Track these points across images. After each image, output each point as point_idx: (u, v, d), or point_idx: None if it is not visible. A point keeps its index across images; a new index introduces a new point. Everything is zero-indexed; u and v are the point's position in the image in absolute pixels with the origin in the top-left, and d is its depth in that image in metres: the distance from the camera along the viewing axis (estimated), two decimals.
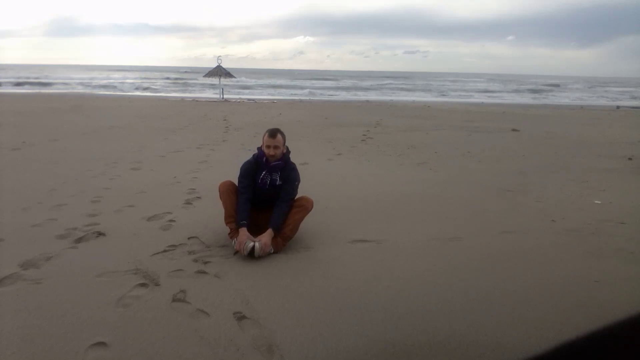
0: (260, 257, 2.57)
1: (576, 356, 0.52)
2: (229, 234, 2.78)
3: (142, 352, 1.68)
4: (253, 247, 2.56)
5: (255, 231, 2.67)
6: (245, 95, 24.23)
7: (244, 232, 2.62)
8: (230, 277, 2.33)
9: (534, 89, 37.33)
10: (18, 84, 27.42)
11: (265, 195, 2.80)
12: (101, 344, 1.72)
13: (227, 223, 2.78)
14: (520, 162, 6.07)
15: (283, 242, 2.74)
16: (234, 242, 2.66)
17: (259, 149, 2.82)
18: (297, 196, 2.88)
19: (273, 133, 2.74)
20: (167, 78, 40.63)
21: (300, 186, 2.90)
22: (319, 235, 2.99)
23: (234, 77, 21.19)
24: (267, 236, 2.62)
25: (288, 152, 2.88)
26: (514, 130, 9.61)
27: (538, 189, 4.50)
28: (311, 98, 24.24)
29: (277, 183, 2.80)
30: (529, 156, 6.51)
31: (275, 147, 2.72)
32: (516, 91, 34.63)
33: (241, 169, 2.84)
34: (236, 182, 2.84)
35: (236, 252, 2.62)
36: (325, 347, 1.74)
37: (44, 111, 11.33)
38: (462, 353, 1.73)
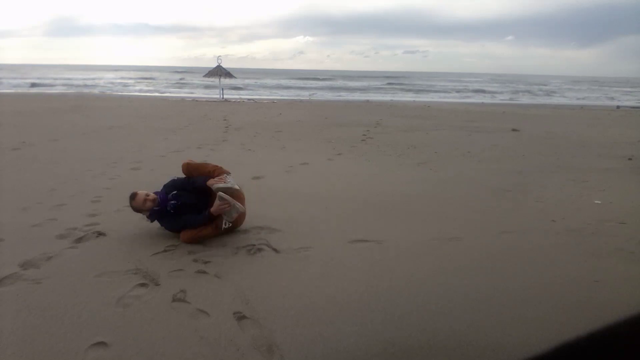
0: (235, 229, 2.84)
1: (576, 356, 0.52)
2: (218, 227, 2.83)
3: (142, 352, 1.68)
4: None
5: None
6: (245, 95, 24.25)
7: (214, 206, 2.73)
8: (230, 277, 2.33)
9: (534, 89, 37.35)
10: (17, 85, 27.47)
11: (187, 209, 2.85)
12: (101, 344, 1.72)
13: (213, 232, 2.83)
14: (520, 162, 6.07)
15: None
16: (225, 223, 2.77)
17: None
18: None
19: (135, 204, 2.80)
20: (153, 78, 40.60)
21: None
22: (319, 235, 2.99)
23: (234, 77, 21.18)
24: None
25: (157, 194, 2.90)
26: (514, 130, 9.61)
27: (538, 189, 4.50)
28: (311, 98, 24.25)
29: (175, 202, 2.87)
30: (529, 156, 6.51)
31: (145, 201, 2.78)
32: (515, 92, 34.64)
33: (162, 224, 2.91)
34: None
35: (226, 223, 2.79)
36: (325, 347, 1.74)
37: (44, 111, 11.33)
38: (462, 353, 1.73)
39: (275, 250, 2.72)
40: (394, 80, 49.86)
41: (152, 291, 2.15)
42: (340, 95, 27.56)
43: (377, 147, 7.07)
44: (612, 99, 28.82)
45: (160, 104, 15.79)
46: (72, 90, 24.68)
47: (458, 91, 33.66)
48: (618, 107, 21.05)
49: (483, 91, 33.86)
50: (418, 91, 33.26)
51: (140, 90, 27.37)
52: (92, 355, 1.66)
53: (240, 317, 1.94)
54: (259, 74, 61.22)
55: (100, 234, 2.90)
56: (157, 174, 4.74)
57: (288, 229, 3.10)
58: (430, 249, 2.81)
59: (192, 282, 2.25)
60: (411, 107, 16.98)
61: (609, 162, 6.04)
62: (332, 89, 33.56)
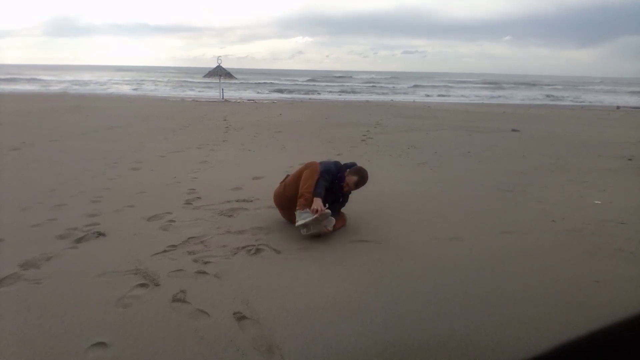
0: (313, 236, 2.87)
1: (576, 356, 0.52)
2: (299, 204, 2.93)
3: (142, 352, 1.68)
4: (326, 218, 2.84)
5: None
6: (245, 95, 24.25)
7: (320, 201, 2.89)
8: (230, 277, 2.33)
9: (533, 89, 37.38)
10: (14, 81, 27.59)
11: (326, 198, 3.07)
12: (101, 344, 1.72)
13: (304, 195, 2.94)
14: (520, 162, 6.07)
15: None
16: (304, 212, 2.85)
17: (342, 171, 3.13)
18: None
19: (359, 185, 3.11)
20: (158, 79, 40.38)
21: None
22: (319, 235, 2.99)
23: (235, 78, 21.19)
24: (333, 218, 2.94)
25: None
26: (514, 130, 9.61)
27: (538, 189, 4.50)
28: (311, 98, 24.25)
29: (340, 200, 3.21)
30: (529, 156, 6.51)
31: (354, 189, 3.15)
32: (514, 92, 34.64)
33: (326, 166, 3.07)
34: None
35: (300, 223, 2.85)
36: (326, 347, 1.74)
37: (44, 111, 11.33)
38: (462, 353, 1.73)
39: (275, 250, 2.72)
40: (394, 79, 49.80)
41: (152, 291, 2.15)
42: (340, 95, 27.56)
43: (377, 147, 7.08)
44: (613, 99, 28.80)
45: (160, 104, 15.79)
46: (72, 90, 24.67)
47: (459, 92, 33.61)
48: (618, 107, 21.05)
49: (482, 92, 33.81)
50: (418, 91, 33.20)
51: (140, 90, 27.36)
52: (92, 355, 1.66)
53: (240, 317, 1.94)
54: (259, 74, 61.17)
55: (100, 234, 2.90)
56: (157, 174, 4.75)
57: (288, 229, 3.10)
58: (430, 249, 2.81)
59: (192, 282, 2.25)
60: (411, 107, 16.99)
61: (609, 162, 6.04)
62: (332, 89, 33.38)
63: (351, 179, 3.08)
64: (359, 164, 3.24)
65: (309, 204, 2.88)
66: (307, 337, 1.80)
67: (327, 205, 3.01)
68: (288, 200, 3.08)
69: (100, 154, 5.78)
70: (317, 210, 2.81)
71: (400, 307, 2.06)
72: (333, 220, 2.91)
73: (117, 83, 33.66)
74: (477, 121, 11.58)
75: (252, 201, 3.78)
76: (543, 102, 25.79)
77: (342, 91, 31.28)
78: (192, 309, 2.00)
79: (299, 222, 2.85)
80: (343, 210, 3.27)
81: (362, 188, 3.18)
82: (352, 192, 3.23)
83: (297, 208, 2.91)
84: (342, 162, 3.28)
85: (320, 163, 3.10)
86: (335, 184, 3.11)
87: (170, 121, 10.04)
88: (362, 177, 3.09)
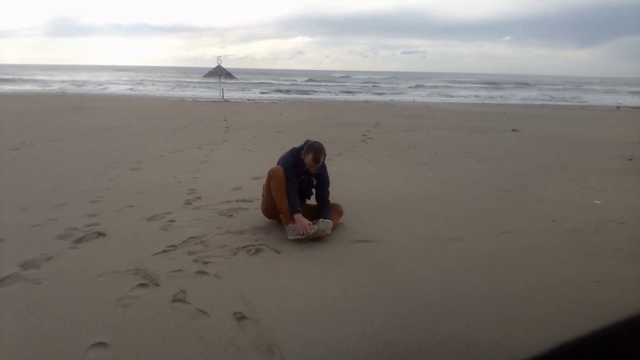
0: (312, 239, 2.83)
1: (576, 356, 0.52)
2: (282, 220, 2.94)
3: (142, 352, 1.68)
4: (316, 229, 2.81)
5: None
6: (245, 95, 24.25)
7: (302, 217, 2.86)
8: (230, 277, 2.34)
9: (533, 89, 37.39)
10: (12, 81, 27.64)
11: (302, 190, 3.10)
12: (101, 344, 1.72)
13: (282, 210, 2.93)
14: (520, 162, 6.07)
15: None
16: (290, 227, 2.86)
17: (299, 154, 3.02)
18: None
19: (317, 159, 2.95)
20: (157, 79, 40.24)
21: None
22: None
23: (234, 78, 21.19)
24: (329, 220, 2.92)
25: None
26: (514, 130, 9.61)
27: (538, 189, 4.50)
28: (311, 98, 24.25)
29: (314, 183, 3.14)
30: (529, 156, 6.51)
31: (316, 166, 3.01)
32: (514, 91, 34.60)
33: (286, 163, 3.01)
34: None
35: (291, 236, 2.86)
36: (326, 347, 1.74)
37: (44, 111, 11.33)
38: (462, 353, 1.73)
39: (275, 250, 2.72)
40: (394, 79, 49.79)
41: (152, 291, 2.15)
42: (340, 95, 27.55)
43: (377, 147, 7.07)
44: (612, 98, 28.79)
45: (160, 104, 15.79)
46: (72, 90, 24.67)
47: (459, 92, 33.60)
48: (618, 107, 21.06)
49: (482, 93, 33.80)
50: (418, 91, 33.18)
51: (140, 90, 27.36)
52: (92, 355, 1.66)
53: (240, 317, 1.94)
54: (259, 74, 61.16)
55: (100, 234, 2.90)
56: (157, 174, 4.75)
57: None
58: (431, 249, 2.81)
59: (192, 282, 2.25)
60: (411, 107, 17.00)
61: (609, 162, 6.04)
62: (332, 88, 33.32)
63: (307, 159, 2.95)
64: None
65: (289, 217, 2.88)
66: (307, 337, 1.80)
67: (313, 191, 3.13)
68: (275, 212, 3.04)
69: (100, 154, 5.78)
70: (303, 233, 2.79)
71: (400, 307, 2.06)
72: (330, 223, 2.90)
73: (116, 83, 33.64)
74: (477, 121, 11.58)
75: (252, 201, 3.78)
76: (543, 102, 25.77)
77: (342, 91, 31.27)
78: (192, 309, 2.00)
79: (291, 237, 2.86)
80: (331, 198, 3.19)
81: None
82: (325, 169, 3.15)
83: (283, 224, 2.93)
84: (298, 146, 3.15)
85: (279, 161, 3.06)
86: (299, 172, 3.03)
87: (170, 121, 10.04)
88: (315, 151, 2.93)
